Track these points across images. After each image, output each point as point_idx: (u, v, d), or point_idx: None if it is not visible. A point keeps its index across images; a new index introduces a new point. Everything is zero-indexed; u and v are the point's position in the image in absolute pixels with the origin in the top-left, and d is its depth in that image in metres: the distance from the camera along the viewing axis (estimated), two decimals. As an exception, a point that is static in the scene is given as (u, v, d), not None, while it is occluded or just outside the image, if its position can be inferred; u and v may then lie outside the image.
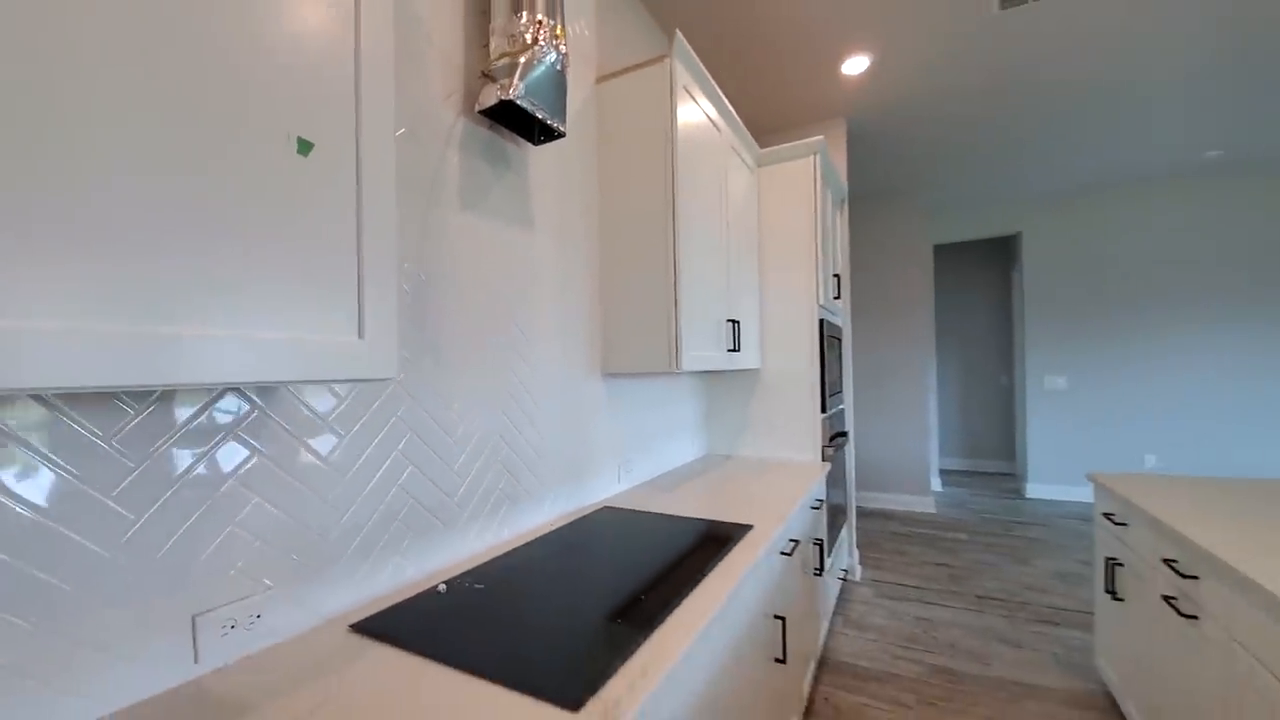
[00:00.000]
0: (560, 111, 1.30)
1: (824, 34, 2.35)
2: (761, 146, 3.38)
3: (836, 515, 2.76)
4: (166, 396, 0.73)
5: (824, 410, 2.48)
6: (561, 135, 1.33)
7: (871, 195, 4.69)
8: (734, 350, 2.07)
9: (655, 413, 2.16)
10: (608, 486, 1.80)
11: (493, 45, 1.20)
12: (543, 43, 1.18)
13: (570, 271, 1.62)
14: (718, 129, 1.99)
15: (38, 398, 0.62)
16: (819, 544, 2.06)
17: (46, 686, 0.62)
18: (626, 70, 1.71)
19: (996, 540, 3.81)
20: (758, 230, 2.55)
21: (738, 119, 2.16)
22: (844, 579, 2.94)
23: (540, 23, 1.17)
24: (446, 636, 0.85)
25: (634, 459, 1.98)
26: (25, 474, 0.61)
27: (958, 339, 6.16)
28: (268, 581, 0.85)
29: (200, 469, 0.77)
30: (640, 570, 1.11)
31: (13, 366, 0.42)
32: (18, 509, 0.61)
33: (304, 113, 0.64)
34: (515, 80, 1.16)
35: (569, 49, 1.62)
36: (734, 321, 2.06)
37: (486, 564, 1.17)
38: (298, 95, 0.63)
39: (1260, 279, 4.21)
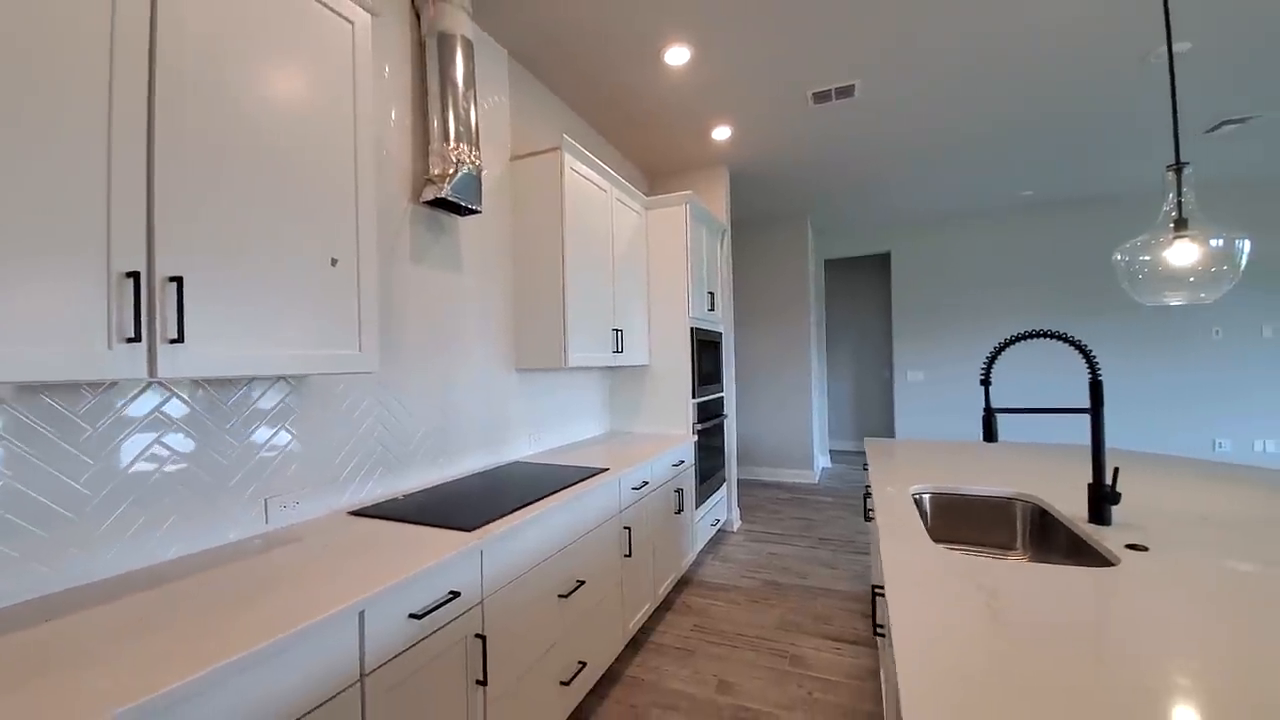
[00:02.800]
0: (478, 198, 1.99)
1: (694, 110, 3.11)
2: (663, 186, 4.15)
3: (713, 477, 3.57)
4: (286, 378, 1.40)
5: (695, 396, 3.28)
6: (479, 212, 2.03)
7: (763, 220, 5.55)
8: (618, 351, 2.82)
9: (562, 398, 2.88)
10: (520, 450, 2.52)
11: (431, 160, 1.89)
12: (465, 163, 1.88)
13: (489, 299, 2.32)
14: (602, 190, 2.72)
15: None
16: (679, 492, 2.84)
17: (216, 522, 1.29)
18: (531, 154, 2.42)
19: (853, 502, 4.76)
20: (646, 258, 3.31)
21: (620, 179, 2.89)
22: (718, 527, 3.75)
23: (463, 152, 1.87)
24: (406, 514, 1.55)
25: (543, 432, 2.70)
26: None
27: (853, 338, 7.18)
28: (302, 485, 1.52)
29: (272, 415, 1.44)
30: (526, 490, 1.84)
31: (274, 364, 1.10)
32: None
33: (334, 242, 1.32)
34: (447, 185, 1.85)
35: (481, 156, 2.30)
36: (618, 330, 2.81)
37: (429, 489, 1.87)
38: (333, 234, 1.32)
39: (1059, 287, 5.33)
